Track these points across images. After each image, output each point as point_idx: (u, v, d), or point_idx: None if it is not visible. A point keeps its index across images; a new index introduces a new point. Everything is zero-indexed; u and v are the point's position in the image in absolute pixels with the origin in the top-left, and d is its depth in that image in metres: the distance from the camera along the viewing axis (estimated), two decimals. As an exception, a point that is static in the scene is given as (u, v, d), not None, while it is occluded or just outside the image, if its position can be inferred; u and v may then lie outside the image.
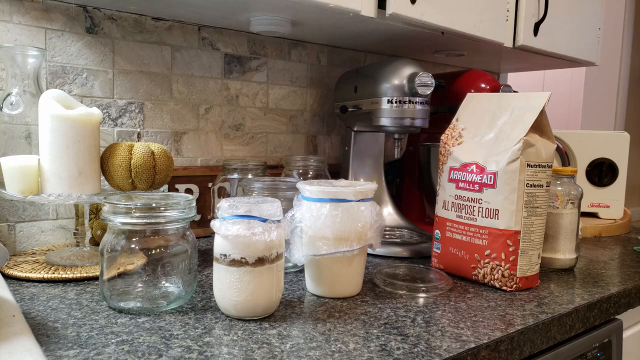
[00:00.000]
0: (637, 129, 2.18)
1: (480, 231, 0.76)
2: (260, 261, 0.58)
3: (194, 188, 1.02)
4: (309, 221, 0.67)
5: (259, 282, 0.58)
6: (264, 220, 0.59)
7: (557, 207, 0.85)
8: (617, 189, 1.29)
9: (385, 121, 0.94)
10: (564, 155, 1.29)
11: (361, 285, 0.72)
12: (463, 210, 0.79)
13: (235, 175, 0.94)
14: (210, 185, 1.02)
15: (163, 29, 0.97)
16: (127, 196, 0.66)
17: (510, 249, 0.73)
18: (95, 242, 0.83)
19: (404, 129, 0.95)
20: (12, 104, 0.75)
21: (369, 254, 0.89)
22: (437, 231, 0.84)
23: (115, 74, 0.93)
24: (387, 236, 1.01)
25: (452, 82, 1.10)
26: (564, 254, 0.86)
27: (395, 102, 0.92)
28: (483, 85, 1.06)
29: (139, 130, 0.96)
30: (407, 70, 0.92)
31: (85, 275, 0.71)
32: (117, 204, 0.60)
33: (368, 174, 1.08)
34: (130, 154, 0.74)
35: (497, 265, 0.74)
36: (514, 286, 0.74)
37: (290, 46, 1.16)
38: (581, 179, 1.29)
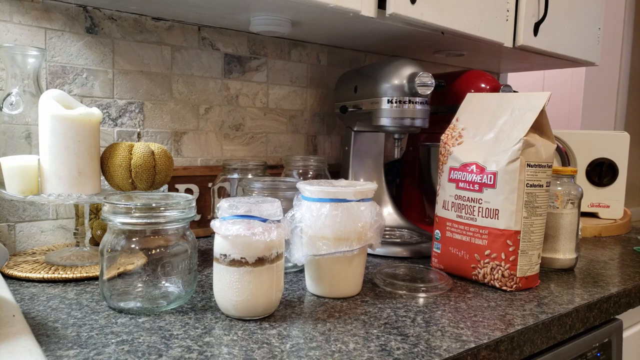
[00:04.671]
0: (637, 129, 2.18)
1: (480, 231, 0.76)
2: (260, 261, 0.58)
3: (194, 188, 1.02)
4: (309, 221, 0.67)
5: (259, 282, 0.58)
6: (264, 220, 0.59)
7: (557, 207, 0.85)
8: (617, 189, 1.29)
9: (385, 121, 0.94)
10: (564, 155, 1.29)
11: (361, 285, 0.72)
12: (463, 210, 0.79)
13: (235, 175, 0.94)
14: (210, 185, 1.02)
15: (163, 29, 0.97)
16: (127, 196, 0.66)
17: (510, 249, 0.73)
18: (95, 242, 0.83)
19: (404, 129, 0.95)
20: (12, 104, 0.75)
21: (369, 254, 0.89)
22: (437, 231, 0.84)
23: (115, 74, 0.93)
24: (387, 236, 1.01)
25: (452, 82, 1.10)
26: (564, 254, 0.86)
27: (395, 102, 0.92)
28: (483, 85, 1.06)
29: (139, 130, 0.96)
30: (407, 70, 0.92)
31: (85, 275, 0.71)
32: (117, 204, 0.60)
33: (368, 174, 1.08)
34: (130, 154, 0.74)
35: (497, 265, 0.74)
36: (514, 286, 0.74)
37: (290, 46, 1.16)
38: (581, 179, 1.29)
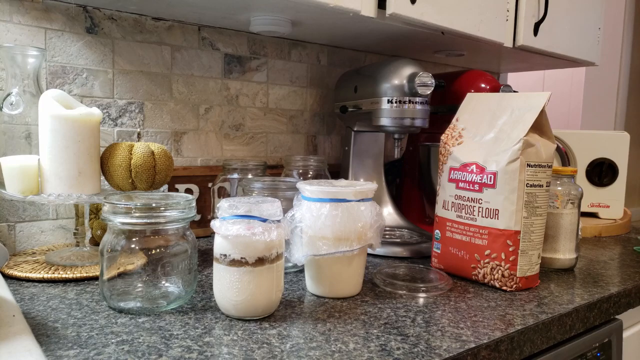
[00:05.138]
0: (637, 129, 2.17)
1: (480, 231, 0.76)
2: (260, 261, 0.58)
3: (194, 188, 1.02)
4: (309, 221, 0.67)
5: (259, 282, 0.58)
6: (264, 220, 0.59)
7: (557, 207, 0.85)
8: (617, 189, 1.29)
9: (385, 121, 0.94)
10: (564, 155, 1.29)
11: (361, 285, 0.72)
12: (463, 210, 0.79)
13: (235, 175, 0.94)
14: (210, 185, 1.02)
15: (163, 29, 0.97)
16: (127, 196, 0.66)
17: (510, 249, 0.73)
18: (95, 242, 0.83)
19: (404, 129, 0.95)
20: (12, 104, 0.75)
21: (369, 254, 0.89)
22: (437, 231, 0.84)
23: (115, 74, 0.93)
24: (387, 236, 1.01)
25: (452, 82, 1.10)
26: (564, 254, 0.86)
27: (395, 102, 0.92)
28: (483, 85, 1.06)
29: (139, 130, 0.96)
30: (407, 70, 0.92)
31: (85, 275, 0.71)
32: (117, 204, 0.60)
33: (368, 174, 1.08)
34: (130, 154, 0.74)
35: (497, 265, 0.74)
36: (514, 286, 0.74)
37: (290, 46, 1.16)
38: (581, 179, 1.29)
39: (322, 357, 0.50)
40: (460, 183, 0.79)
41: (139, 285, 0.62)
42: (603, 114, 2.07)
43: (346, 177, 1.06)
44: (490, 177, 0.75)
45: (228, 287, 0.58)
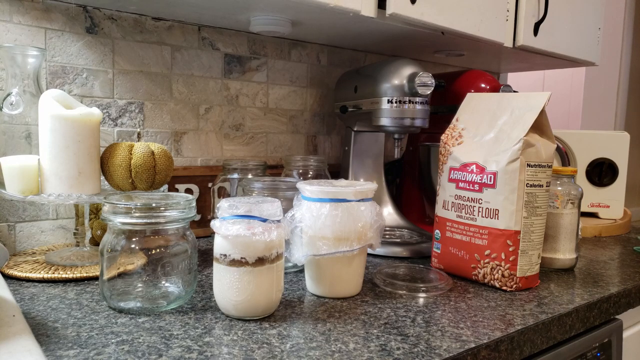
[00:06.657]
0: (637, 129, 2.18)
1: (480, 231, 0.76)
2: (260, 261, 0.58)
3: (194, 188, 1.02)
4: (309, 221, 0.67)
5: (259, 282, 0.58)
6: (264, 220, 0.59)
7: (557, 207, 0.85)
8: (617, 189, 1.29)
9: (385, 121, 0.94)
10: (564, 155, 1.29)
11: (361, 285, 0.72)
12: (463, 210, 0.79)
13: (235, 175, 0.94)
14: (210, 185, 1.02)
15: (163, 29, 0.97)
16: (127, 196, 0.66)
17: (510, 249, 0.73)
18: (95, 242, 0.83)
19: (404, 129, 0.95)
20: (12, 104, 0.75)
21: (369, 254, 0.89)
22: (437, 231, 0.84)
23: (115, 74, 0.93)
24: (387, 236, 1.01)
25: (452, 82, 1.10)
26: (564, 254, 0.86)
27: (395, 102, 0.92)
28: (483, 85, 1.06)
29: (139, 130, 0.96)
30: (407, 70, 0.92)
31: (85, 275, 0.71)
32: (117, 204, 0.60)
33: (368, 174, 1.08)
34: (130, 154, 0.74)
35: (497, 265, 0.74)
36: (514, 286, 0.74)
37: (290, 46, 1.16)
38: (581, 179, 1.29)
39: (322, 357, 0.50)
40: (460, 183, 0.79)
41: (139, 285, 0.62)
42: (603, 114, 2.07)
43: (346, 177, 1.06)
44: (490, 177, 0.75)
45: (228, 287, 0.58)
